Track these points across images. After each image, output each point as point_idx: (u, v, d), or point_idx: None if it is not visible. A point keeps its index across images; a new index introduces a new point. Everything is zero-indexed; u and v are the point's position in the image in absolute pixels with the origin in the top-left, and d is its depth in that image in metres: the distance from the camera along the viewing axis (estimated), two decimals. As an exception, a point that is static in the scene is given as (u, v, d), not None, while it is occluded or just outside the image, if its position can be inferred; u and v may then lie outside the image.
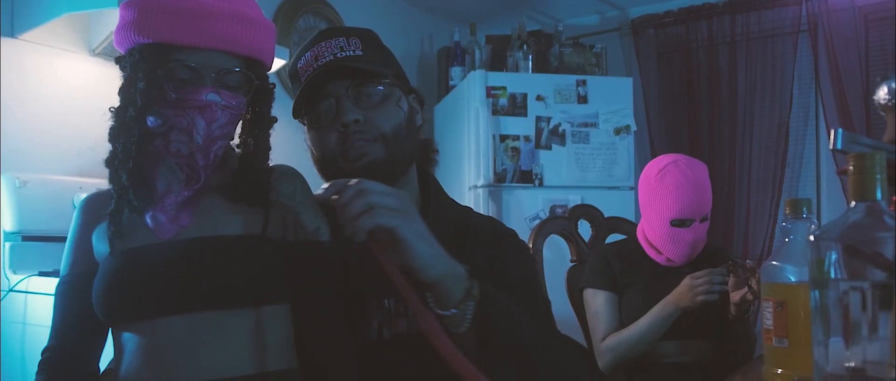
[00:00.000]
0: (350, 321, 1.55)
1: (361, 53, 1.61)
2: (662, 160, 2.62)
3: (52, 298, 1.52)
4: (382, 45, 1.71)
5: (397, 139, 1.60)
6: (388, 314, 1.57)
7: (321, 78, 1.58)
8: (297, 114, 1.66)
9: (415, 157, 1.69)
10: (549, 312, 1.69)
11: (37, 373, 1.46)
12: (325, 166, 1.63)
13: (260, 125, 1.55)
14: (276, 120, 1.58)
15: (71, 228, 1.55)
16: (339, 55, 1.60)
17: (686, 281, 2.38)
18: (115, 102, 1.48)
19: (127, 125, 1.43)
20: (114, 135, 1.47)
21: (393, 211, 1.28)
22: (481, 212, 1.81)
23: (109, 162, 1.47)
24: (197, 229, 1.44)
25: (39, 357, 1.48)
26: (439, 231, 1.60)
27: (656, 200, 2.57)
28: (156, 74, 1.40)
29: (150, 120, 1.42)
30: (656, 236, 2.59)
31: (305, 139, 1.70)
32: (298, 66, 1.66)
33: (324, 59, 1.60)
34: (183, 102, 1.40)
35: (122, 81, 1.47)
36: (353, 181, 1.31)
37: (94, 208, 1.53)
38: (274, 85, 1.60)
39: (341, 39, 1.62)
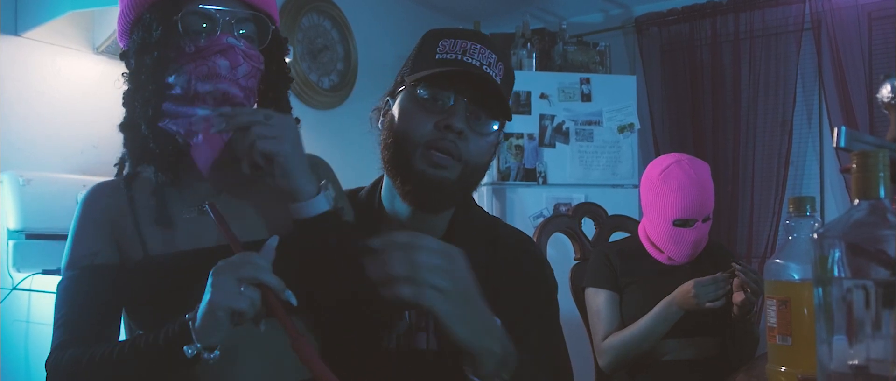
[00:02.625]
0: (372, 330, 1.54)
1: (499, 82, 1.55)
2: (665, 160, 2.61)
3: (55, 299, 1.44)
4: (512, 85, 1.67)
5: (474, 173, 1.56)
6: (408, 327, 1.55)
7: (462, 73, 1.51)
8: (410, 77, 1.56)
9: (474, 189, 1.64)
10: (561, 344, 1.68)
11: (51, 377, 1.36)
12: (401, 149, 1.52)
13: (278, 85, 1.56)
14: (292, 80, 1.57)
15: (75, 220, 1.48)
16: (484, 68, 1.52)
17: (690, 284, 2.37)
18: (119, 94, 1.47)
19: (144, 82, 1.42)
20: (129, 97, 1.45)
21: (440, 292, 1.18)
22: (485, 210, 1.80)
23: (126, 125, 1.46)
24: (239, 231, 1.40)
25: (45, 359, 1.37)
26: (469, 241, 1.57)
27: (659, 200, 2.56)
28: (171, 22, 1.40)
29: (171, 82, 1.40)
30: (658, 235, 2.58)
31: (382, 106, 1.62)
32: (441, 41, 1.56)
33: (470, 59, 1.52)
34: (203, 51, 1.40)
35: (135, 47, 1.45)
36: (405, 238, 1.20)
37: (103, 201, 1.48)
38: (286, 39, 1.58)
39: (493, 56, 1.55)
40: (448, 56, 1.53)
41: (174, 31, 1.40)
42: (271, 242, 1.30)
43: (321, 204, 1.37)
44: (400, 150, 1.52)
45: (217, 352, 1.24)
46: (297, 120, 1.50)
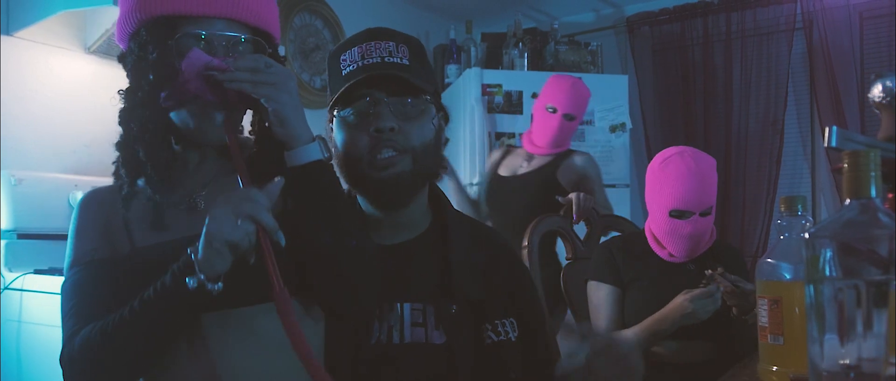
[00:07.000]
0: (363, 322, 1.57)
1: (408, 63, 1.60)
2: (669, 150, 2.58)
3: (61, 299, 1.45)
4: (426, 57, 1.69)
5: (425, 155, 1.60)
6: (399, 319, 1.58)
7: (365, 78, 1.56)
8: (330, 105, 1.65)
9: (437, 173, 1.69)
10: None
11: (66, 366, 1.38)
12: (350, 167, 1.59)
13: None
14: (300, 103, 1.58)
15: (73, 222, 1.51)
16: (386, 59, 1.58)
17: (684, 301, 2.33)
18: (111, 99, 1.47)
19: (140, 102, 1.43)
20: (125, 116, 1.46)
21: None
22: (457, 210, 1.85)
23: (122, 145, 1.47)
24: None
25: (41, 358, 1.39)
26: (458, 239, 1.68)
27: (658, 189, 2.53)
28: (166, 46, 1.40)
29: (163, 99, 1.40)
30: (658, 228, 2.55)
31: (328, 134, 1.67)
32: (341, 57, 1.62)
33: (371, 59, 1.58)
34: None
35: (131, 62, 1.46)
36: None
37: (96, 205, 1.51)
38: (285, 58, 1.61)
39: (391, 44, 1.60)
40: (351, 68, 1.59)
41: (170, 52, 1.40)
42: (278, 182, 1.34)
43: (314, 151, 1.41)
44: (350, 169, 1.60)
45: (220, 285, 1.27)
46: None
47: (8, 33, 3.16)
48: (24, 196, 2.99)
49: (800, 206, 1.40)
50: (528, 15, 5.52)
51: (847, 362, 0.97)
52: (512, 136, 4.47)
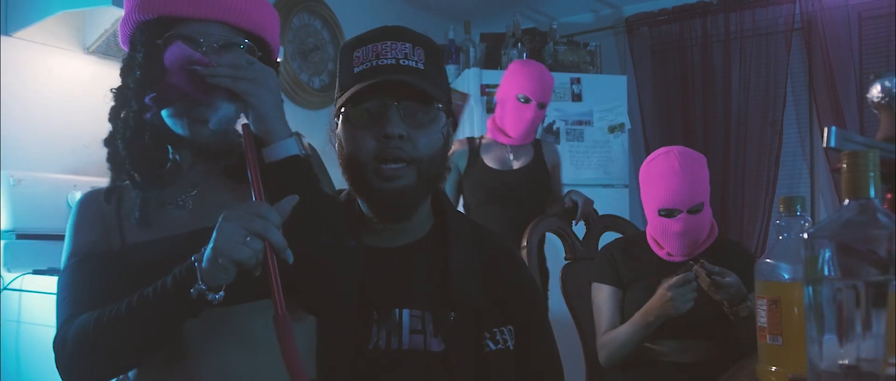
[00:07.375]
0: (361, 327, 1.56)
1: (423, 67, 1.55)
2: (658, 151, 2.61)
3: (56, 288, 1.47)
4: (441, 61, 1.65)
5: (430, 165, 1.56)
6: (398, 325, 1.55)
7: (377, 80, 1.52)
8: (337, 101, 1.60)
9: (441, 180, 1.65)
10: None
11: (59, 351, 1.38)
12: (354, 170, 1.56)
13: None
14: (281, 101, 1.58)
15: (72, 220, 1.51)
16: (401, 62, 1.53)
17: (664, 291, 2.34)
18: (105, 97, 1.49)
19: (127, 99, 1.44)
20: (113, 114, 1.48)
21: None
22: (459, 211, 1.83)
23: (109, 141, 1.48)
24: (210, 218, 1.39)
25: (39, 356, 1.40)
26: (459, 243, 1.64)
27: (646, 189, 2.57)
28: (155, 46, 1.40)
29: (150, 100, 1.39)
30: (653, 227, 2.57)
31: (333, 129, 1.63)
32: (354, 53, 1.57)
33: (385, 60, 1.53)
34: None
35: (125, 62, 1.48)
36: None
37: (94, 203, 1.51)
38: (278, 63, 1.60)
39: (407, 46, 1.55)
40: (364, 66, 1.55)
41: (159, 52, 1.40)
42: (291, 199, 1.31)
43: (292, 147, 1.39)
44: (354, 173, 1.56)
45: (221, 294, 1.27)
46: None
47: (7, 34, 3.15)
48: (23, 196, 2.99)
49: (798, 206, 1.40)
50: (526, 15, 5.52)
51: (846, 362, 0.97)
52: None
